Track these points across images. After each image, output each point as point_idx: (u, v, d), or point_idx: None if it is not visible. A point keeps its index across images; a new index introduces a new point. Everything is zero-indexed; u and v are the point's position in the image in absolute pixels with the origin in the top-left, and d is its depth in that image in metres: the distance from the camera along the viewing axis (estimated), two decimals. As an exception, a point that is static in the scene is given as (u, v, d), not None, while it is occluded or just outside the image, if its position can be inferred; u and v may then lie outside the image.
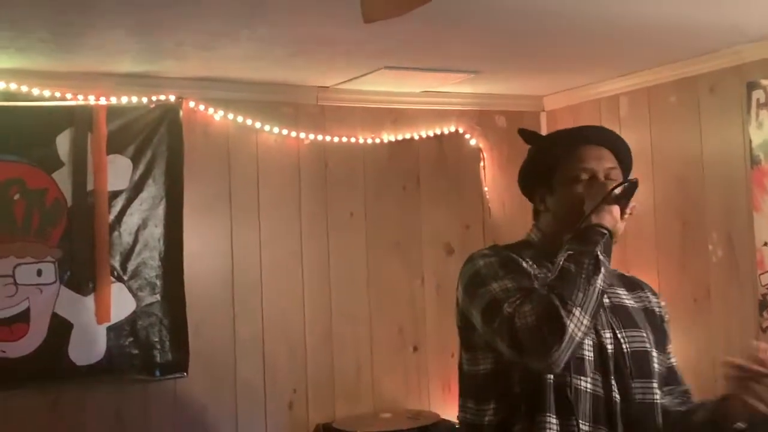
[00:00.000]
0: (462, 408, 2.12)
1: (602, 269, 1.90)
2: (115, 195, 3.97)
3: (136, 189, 4.03)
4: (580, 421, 1.95)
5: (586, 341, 1.95)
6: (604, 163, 2.10)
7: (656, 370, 2.07)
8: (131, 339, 3.97)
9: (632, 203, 2.04)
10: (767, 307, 3.80)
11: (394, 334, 4.61)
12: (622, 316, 2.08)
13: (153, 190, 4.06)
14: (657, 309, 2.20)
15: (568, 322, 1.83)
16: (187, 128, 4.14)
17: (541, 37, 3.65)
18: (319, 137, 4.47)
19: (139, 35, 3.42)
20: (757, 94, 3.83)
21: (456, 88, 4.68)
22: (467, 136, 4.88)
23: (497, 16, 3.30)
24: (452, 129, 4.85)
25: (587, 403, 1.97)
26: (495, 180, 4.93)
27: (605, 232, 1.94)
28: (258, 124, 4.32)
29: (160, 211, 4.07)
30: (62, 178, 3.88)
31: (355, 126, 4.59)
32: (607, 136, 2.19)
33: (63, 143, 3.89)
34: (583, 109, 4.84)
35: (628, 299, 2.15)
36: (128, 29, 3.32)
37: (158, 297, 4.04)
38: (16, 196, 3.80)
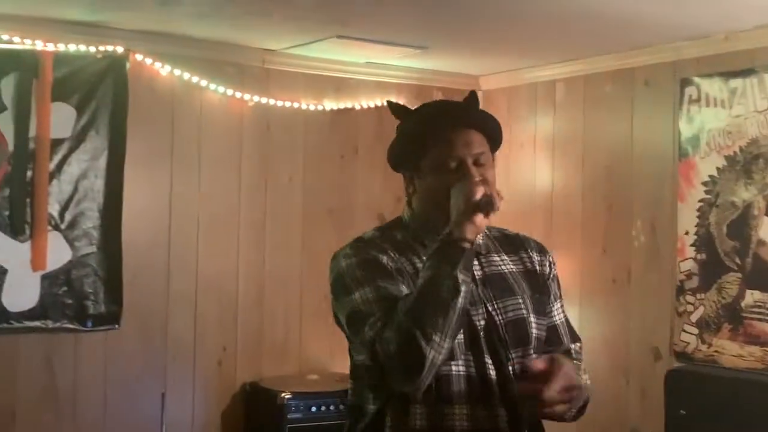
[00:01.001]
0: (349, 389, 2.12)
1: (462, 290, 1.85)
2: (57, 143, 3.94)
3: (79, 138, 4.00)
4: (456, 406, 1.94)
5: None
6: (473, 148, 2.03)
7: (534, 335, 2.05)
8: (65, 288, 3.96)
9: (498, 200, 1.94)
10: (684, 293, 4.03)
11: (322, 298, 4.68)
12: (496, 285, 2.06)
13: (96, 140, 4.03)
14: (539, 268, 2.15)
15: (429, 351, 1.80)
16: (133, 81, 4.11)
17: (486, 17, 3.76)
18: (263, 100, 4.50)
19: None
20: (690, 91, 4.03)
21: (398, 62, 4.77)
22: (406, 109, 4.97)
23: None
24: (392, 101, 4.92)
25: (461, 386, 1.95)
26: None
27: (466, 246, 1.88)
28: (203, 82, 4.33)
29: (102, 162, 4.05)
30: (5, 122, 3.82)
31: (299, 91, 4.63)
32: (476, 116, 2.11)
33: (7, 87, 3.83)
34: (518, 91, 4.98)
35: (506, 264, 2.12)
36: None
37: (95, 248, 4.03)
38: (-40, 138, 3.74)
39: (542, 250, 2.19)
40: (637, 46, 4.19)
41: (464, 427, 1.94)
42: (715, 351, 3.86)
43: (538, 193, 4.83)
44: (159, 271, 4.23)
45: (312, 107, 4.66)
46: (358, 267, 2.00)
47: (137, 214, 4.16)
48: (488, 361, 1.98)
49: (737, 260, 3.82)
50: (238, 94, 4.43)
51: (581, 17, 3.67)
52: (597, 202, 4.50)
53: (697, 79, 4.01)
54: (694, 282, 3.99)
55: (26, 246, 3.87)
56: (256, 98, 4.48)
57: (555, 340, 2.13)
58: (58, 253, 3.93)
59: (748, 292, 3.77)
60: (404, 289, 1.97)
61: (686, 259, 4.03)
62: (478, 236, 2.04)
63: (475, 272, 2.03)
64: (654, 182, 4.22)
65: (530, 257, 2.16)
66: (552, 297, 2.16)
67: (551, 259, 2.20)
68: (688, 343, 3.98)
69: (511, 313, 2.03)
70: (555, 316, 2.17)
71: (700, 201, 3.98)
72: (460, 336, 1.93)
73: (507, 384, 1.98)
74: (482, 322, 2.00)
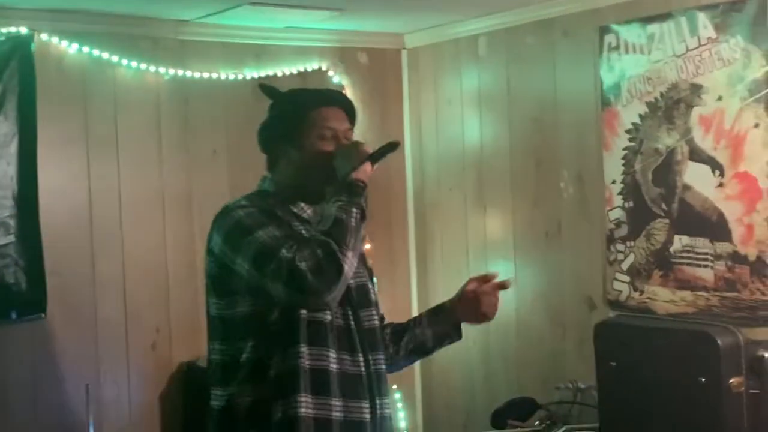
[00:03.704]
0: (211, 351, 2.35)
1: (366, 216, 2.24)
2: (-38, 132, 3.80)
3: (-14, 126, 3.86)
4: (331, 350, 2.26)
5: None
6: (343, 123, 2.40)
7: (373, 299, 2.44)
8: (-15, 281, 3.85)
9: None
10: (614, 241, 4.03)
11: (257, 271, 4.62)
12: None
13: (4, 126, 3.88)
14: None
15: (345, 263, 2.15)
16: (40, 62, 3.97)
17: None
18: (180, 73, 4.38)
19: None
20: (609, 38, 3.99)
21: (319, 25, 4.67)
22: (330, 73, 4.89)
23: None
24: (315, 66, 4.84)
25: (332, 333, 2.27)
26: (357, 117, 4.96)
27: (365, 185, 2.28)
28: (115, 59, 4.19)
29: (13, 148, 3.91)
30: None
31: (217, 62, 4.51)
32: (344, 98, 2.52)
33: None
34: (443, 47, 4.92)
35: None
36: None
37: (13, 237, 3.90)
38: None
39: None
40: (555, -5, 4.14)
41: (335, 369, 2.26)
42: (648, 298, 3.88)
43: (467, 149, 4.79)
44: (83, 256, 4.13)
45: (231, 77, 4.55)
46: (258, 213, 2.26)
47: (55, 199, 4.04)
48: (350, 314, 2.33)
49: (664, 206, 3.82)
50: (153, 68, 4.31)
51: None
52: (525, 155, 4.47)
53: (615, 26, 3.97)
54: (623, 230, 3.99)
55: (-61, 241, 3.75)
56: (171, 71, 4.36)
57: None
58: (-27, 245, 3.82)
59: (677, 237, 3.78)
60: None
61: (614, 208, 4.02)
62: None
63: None
64: (579, 133, 4.20)
65: None
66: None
67: None
68: (621, 291, 3.99)
69: (359, 278, 2.39)
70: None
71: (624, 149, 3.96)
72: None
73: (364, 335, 2.34)
74: None
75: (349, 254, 2.16)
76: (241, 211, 2.28)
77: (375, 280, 2.57)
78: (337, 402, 2.25)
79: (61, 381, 4.03)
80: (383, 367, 2.41)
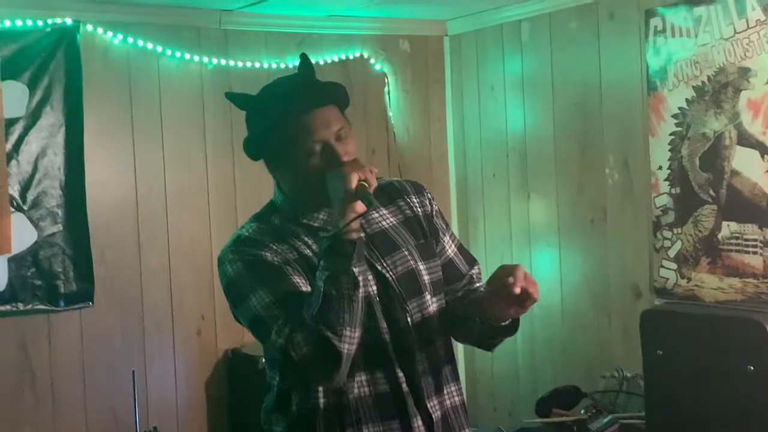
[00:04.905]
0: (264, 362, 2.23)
1: (360, 280, 1.93)
2: (11, 123, 3.84)
3: (34, 116, 3.90)
4: (356, 375, 2.01)
5: None
6: (332, 126, 2.05)
7: (427, 281, 2.13)
8: (34, 269, 3.89)
9: (373, 178, 2.00)
10: (661, 228, 3.97)
11: (301, 259, 4.63)
12: (380, 244, 2.11)
13: (51, 117, 3.93)
14: (420, 210, 2.20)
15: (342, 345, 1.90)
16: (86, 53, 4.01)
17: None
18: (223, 62, 4.40)
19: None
20: (655, 22, 3.93)
21: (361, 12, 4.66)
22: (372, 61, 4.88)
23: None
24: (357, 54, 4.83)
25: (358, 357, 1.99)
26: (399, 104, 4.96)
27: (354, 236, 1.94)
28: (159, 48, 4.22)
29: (60, 138, 3.96)
30: (-46, 106, 3.74)
31: (259, 51, 4.52)
32: (325, 92, 2.11)
33: (-46, 69, 3.74)
34: (485, 34, 4.88)
35: (385, 219, 2.16)
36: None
37: (60, 226, 3.96)
38: None
39: (419, 191, 2.23)
40: (599, -21, 4.09)
41: (365, 393, 2.03)
42: (695, 285, 3.82)
43: (510, 136, 4.76)
44: (129, 245, 4.17)
45: (274, 66, 4.56)
46: (245, 270, 2.03)
47: (101, 188, 4.08)
48: (383, 326, 2.05)
49: (711, 192, 3.76)
50: (196, 58, 4.33)
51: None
52: (570, 141, 4.43)
53: (661, 10, 3.91)
54: (670, 217, 3.93)
55: (-11, 230, 3.81)
56: (215, 61, 4.38)
57: (454, 272, 2.22)
58: (23, 234, 3.86)
59: (724, 223, 3.71)
60: (296, 280, 2.01)
61: (661, 194, 3.96)
62: None
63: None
64: (624, 118, 4.14)
65: (408, 203, 2.20)
66: (440, 233, 2.23)
67: (429, 196, 2.25)
68: (668, 279, 3.93)
69: (400, 267, 2.10)
70: (447, 250, 2.24)
71: (671, 134, 3.90)
72: None
73: (403, 343, 2.06)
74: (374, 288, 2.06)
75: (347, 331, 1.90)
76: (229, 267, 2.06)
77: (447, 239, 2.23)
78: (375, 428, 2.04)
79: (109, 367, 4.08)
80: (441, 354, 2.14)
